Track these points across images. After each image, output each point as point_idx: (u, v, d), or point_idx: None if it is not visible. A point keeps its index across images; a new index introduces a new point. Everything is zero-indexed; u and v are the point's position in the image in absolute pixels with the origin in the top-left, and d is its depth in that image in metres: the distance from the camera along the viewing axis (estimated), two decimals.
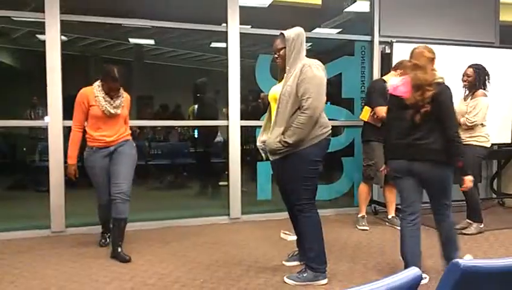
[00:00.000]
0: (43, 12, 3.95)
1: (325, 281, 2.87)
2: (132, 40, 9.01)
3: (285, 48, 2.84)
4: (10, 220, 4.35)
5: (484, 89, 4.06)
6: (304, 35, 2.88)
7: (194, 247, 3.70)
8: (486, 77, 4.06)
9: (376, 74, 4.97)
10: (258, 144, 3.06)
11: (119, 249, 3.37)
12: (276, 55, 2.93)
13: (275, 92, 2.93)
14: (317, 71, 2.77)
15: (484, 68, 4.07)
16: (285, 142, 2.75)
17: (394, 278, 1.09)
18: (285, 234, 3.93)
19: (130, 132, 3.64)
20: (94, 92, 3.38)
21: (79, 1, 4.75)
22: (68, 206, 4.07)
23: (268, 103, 3.03)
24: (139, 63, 10.06)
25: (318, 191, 2.93)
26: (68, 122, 3.86)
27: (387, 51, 4.93)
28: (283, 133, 2.76)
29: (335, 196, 5.01)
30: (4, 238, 3.88)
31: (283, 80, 2.86)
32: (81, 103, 3.40)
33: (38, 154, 5.90)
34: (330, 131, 2.90)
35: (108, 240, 3.70)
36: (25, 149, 6.37)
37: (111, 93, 3.38)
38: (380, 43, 5.03)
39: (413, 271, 1.13)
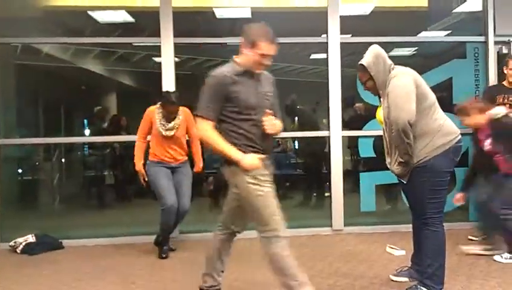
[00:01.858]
0: (159, 36, 4.35)
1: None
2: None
3: (370, 78, 2.75)
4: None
5: None
6: (382, 51, 2.77)
7: (296, 257, 3.70)
8: None
9: (492, 77, 4.56)
10: (387, 165, 2.92)
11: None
12: (364, 88, 2.89)
13: (380, 115, 2.89)
14: (396, 81, 2.65)
15: None
16: (400, 162, 2.67)
17: None
18: (392, 248, 3.76)
19: (186, 150, 3.90)
20: (155, 114, 3.74)
21: (189, 24, 5.13)
22: None
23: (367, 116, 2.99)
24: None
25: None
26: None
27: (505, 51, 4.49)
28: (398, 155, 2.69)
29: (447, 209, 4.65)
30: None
31: (382, 102, 2.80)
32: (146, 117, 3.81)
33: None
34: (458, 138, 2.70)
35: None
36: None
37: (169, 116, 3.71)
38: (496, 43, 4.60)
39: None
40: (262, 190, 2.36)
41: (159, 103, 3.79)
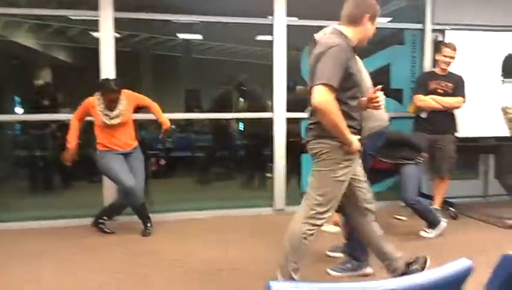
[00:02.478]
0: (98, 10, 4.12)
1: (369, 269, 2.84)
2: (181, 36, 9.23)
3: None
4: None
5: None
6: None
7: (240, 237, 3.76)
8: None
9: (428, 64, 4.78)
10: None
11: None
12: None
13: None
14: None
15: None
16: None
17: (445, 269, 1.07)
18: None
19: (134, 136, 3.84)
20: (95, 105, 3.61)
21: None
22: None
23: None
24: (187, 58, 10.28)
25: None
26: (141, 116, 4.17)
27: (440, 39, 4.73)
28: None
29: (381, 189, 4.90)
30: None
31: None
32: (83, 107, 3.70)
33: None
34: (385, 124, 2.83)
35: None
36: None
37: (110, 104, 3.59)
38: (433, 31, 4.82)
39: (464, 263, 1.10)
40: (339, 175, 2.27)
41: (99, 92, 3.64)
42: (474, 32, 4.63)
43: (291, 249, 2.36)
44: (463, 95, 4.15)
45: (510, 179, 4.05)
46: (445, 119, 4.18)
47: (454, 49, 4.14)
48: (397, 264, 2.47)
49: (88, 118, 3.80)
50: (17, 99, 7.30)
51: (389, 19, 5.44)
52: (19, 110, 7.54)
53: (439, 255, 3.20)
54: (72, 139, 3.68)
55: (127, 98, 3.69)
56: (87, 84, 4.43)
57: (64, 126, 4.99)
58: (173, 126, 7.40)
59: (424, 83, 4.24)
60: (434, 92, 4.18)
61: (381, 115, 2.84)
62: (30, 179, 5.77)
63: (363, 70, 2.80)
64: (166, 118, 3.85)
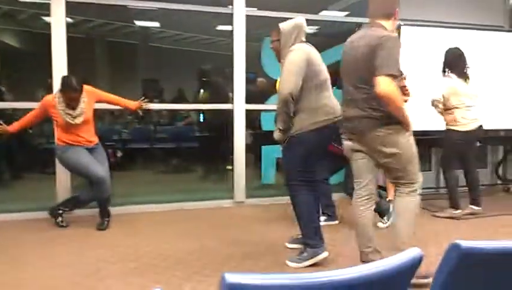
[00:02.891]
0: None
1: (325, 253, 2.89)
2: (138, 23, 8.97)
3: (278, 40, 2.87)
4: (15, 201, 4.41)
5: (450, 72, 4.04)
6: (302, 27, 2.88)
7: (198, 229, 3.74)
8: (457, 60, 4.03)
9: None
10: None
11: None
12: (270, 46, 2.99)
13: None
14: (291, 55, 2.77)
15: (454, 51, 4.05)
16: (278, 129, 2.84)
17: (396, 258, 1.10)
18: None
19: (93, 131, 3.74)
20: (55, 104, 3.47)
21: None
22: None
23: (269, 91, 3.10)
24: (145, 46, 10.02)
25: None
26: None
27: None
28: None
29: (339, 181, 5.01)
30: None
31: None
32: (41, 106, 3.56)
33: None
34: (335, 119, 2.83)
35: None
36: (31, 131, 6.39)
37: (72, 103, 3.48)
38: None
39: (415, 251, 1.14)
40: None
41: (58, 90, 3.50)
42: (427, 29, 4.79)
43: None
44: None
45: (446, 172, 4.22)
46: None
47: None
48: (374, 256, 2.62)
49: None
50: None
51: (346, 13, 5.53)
52: None
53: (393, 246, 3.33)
54: (16, 126, 3.60)
55: (88, 95, 3.58)
56: (37, 71, 4.23)
57: (11, 115, 4.77)
58: (130, 117, 7.23)
59: None
60: None
61: (331, 109, 2.87)
62: None
63: (316, 64, 2.87)
64: (129, 102, 3.92)
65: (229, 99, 5.05)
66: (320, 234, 2.92)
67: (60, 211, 3.75)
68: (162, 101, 7.45)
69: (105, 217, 3.75)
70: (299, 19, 2.92)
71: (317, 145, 2.87)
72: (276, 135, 2.88)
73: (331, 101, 2.86)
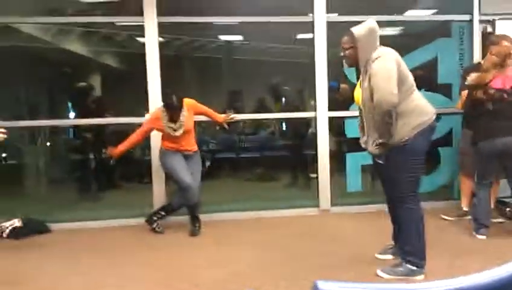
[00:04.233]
0: (142, 15, 4.25)
1: (421, 277, 2.74)
2: (222, 37, 9.34)
3: (353, 47, 2.72)
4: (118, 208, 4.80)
5: None
6: (376, 29, 2.74)
7: (284, 237, 3.77)
8: None
9: (477, 56, 4.58)
10: (361, 144, 2.99)
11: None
12: (342, 54, 2.83)
13: (357, 94, 2.89)
14: (380, 63, 2.62)
15: None
16: (380, 143, 2.68)
17: (499, 271, 1.02)
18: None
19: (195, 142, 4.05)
20: (161, 117, 3.78)
21: (172, 2, 5.02)
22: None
23: (353, 98, 3.00)
24: (229, 59, 10.37)
25: None
26: None
27: (489, 29, 4.51)
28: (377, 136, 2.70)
29: (431, 189, 4.74)
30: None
31: (361, 81, 2.80)
32: (150, 121, 3.92)
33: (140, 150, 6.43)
34: (433, 117, 2.73)
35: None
36: None
37: (173, 117, 3.76)
38: (481, 22, 4.61)
39: None
40: None
41: (162, 105, 3.83)
42: None
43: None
44: None
45: None
46: None
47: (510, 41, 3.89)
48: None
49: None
50: (69, 104, 7.65)
51: (434, 10, 5.26)
52: (71, 114, 7.90)
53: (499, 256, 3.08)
54: (121, 148, 3.92)
55: (188, 109, 3.86)
56: (135, 89, 4.59)
57: (115, 131, 5.23)
58: (217, 128, 7.51)
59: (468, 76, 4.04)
60: None
61: (425, 108, 2.74)
62: (83, 182, 6.04)
63: (402, 67, 2.77)
64: (218, 115, 4.23)
65: (305, 108, 5.05)
66: (424, 255, 2.77)
67: (155, 218, 4.01)
68: (244, 112, 7.65)
69: (195, 223, 3.95)
70: (371, 21, 2.76)
71: (424, 150, 2.75)
72: (376, 150, 2.71)
73: (422, 100, 2.75)
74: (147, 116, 4.26)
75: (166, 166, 3.94)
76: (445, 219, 4.11)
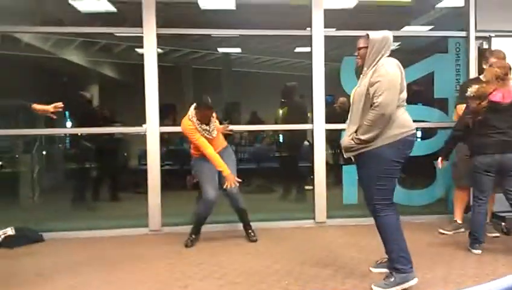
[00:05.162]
0: (142, 27, 4.28)
1: (415, 280, 2.74)
2: (220, 50, 9.41)
3: (366, 47, 2.81)
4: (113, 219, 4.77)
5: None
6: (391, 40, 2.82)
7: (280, 249, 3.75)
8: None
9: (473, 71, 4.62)
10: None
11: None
12: (356, 53, 2.92)
13: (352, 92, 2.95)
14: (390, 68, 2.71)
15: None
16: (358, 138, 2.74)
17: (498, 283, 1.03)
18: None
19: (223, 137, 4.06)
20: (194, 123, 3.77)
21: (171, 15, 5.07)
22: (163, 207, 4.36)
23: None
24: (227, 71, 10.44)
25: (410, 197, 2.82)
26: (163, 129, 4.23)
27: (485, 46, 4.56)
28: (356, 131, 2.75)
29: (427, 201, 4.75)
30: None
31: (360, 80, 2.85)
32: (192, 131, 3.78)
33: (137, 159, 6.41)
34: (412, 132, 2.78)
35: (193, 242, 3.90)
36: (125, 154, 6.91)
37: (205, 120, 3.76)
38: (477, 38, 4.67)
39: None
40: None
41: (194, 108, 3.82)
42: None
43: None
44: None
45: None
46: None
47: (502, 57, 3.95)
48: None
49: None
50: (66, 113, 7.64)
51: (431, 26, 5.32)
52: (68, 124, 7.88)
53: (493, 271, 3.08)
54: (224, 165, 3.75)
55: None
56: (133, 99, 4.61)
57: (112, 139, 5.21)
58: None
59: (466, 91, 4.08)
60: None
61: (404, 122, 2.77)
62: (79, 191, 6.01)
63: (403, 79, 2.83)
64: (219, 127, 4.09)
65: (308, 120, 5.06)
66: (409, 258, 2.78)
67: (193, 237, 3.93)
68: (240, 123, 7.67)
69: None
70: (387, 32, 2.86)
71: (397, 161, 2.76)
72: (349, 142, 2.77)
73: (405, 114, 2.80)
74: (145, 125, 4.25)
75: (196, 172, 3.95)
76: (443, 233, 4.10)
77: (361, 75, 2.86)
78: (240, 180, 3.81)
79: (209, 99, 3.82)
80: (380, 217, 2.81)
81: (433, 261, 3.30)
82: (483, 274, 3.05)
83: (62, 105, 3.10)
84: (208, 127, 3.81)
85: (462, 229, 4.05)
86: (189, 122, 3.81)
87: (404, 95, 2.80)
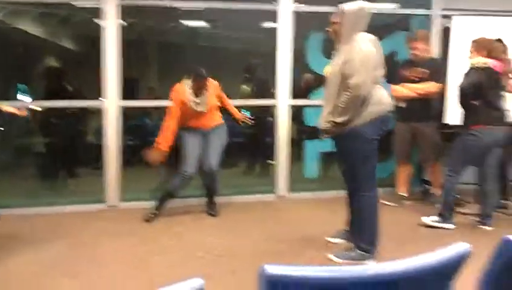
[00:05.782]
0: None
1: (372, 263, 2.80)
2: (186, 23, 9.17)
3: (340, 23, 2.72)
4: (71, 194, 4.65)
5: None
6: (366, 11, 2.74)
7: (240, 222, 3.77)
8: None
9: (436, 51, 4.67)
10: None
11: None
12: (327, 28, 2.84)
13: (327, 71, 2.89)
14: (364, 45, 2.64)
15: None
16: (333, 121, 2.69)
17: (444, 252, 1.05)
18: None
19: (220, 115, 3.98)
20: (185, 92, 3.68)
21: None
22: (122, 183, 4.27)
23: (314, 87, 3.01)
24: (193, 46, 10.21)
25: None
26: (123, 102, 4.10)
27: (448, 25, 4.64)
28: (331, 113, 2.70)
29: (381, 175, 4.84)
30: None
31: (334, 58, 2.79)
32: (176, 99, 3.68)
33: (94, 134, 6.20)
34: (388, 108, 2.78)
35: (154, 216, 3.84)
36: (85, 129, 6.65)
37: (199, 91, 3.67)
38: (442, 16, 4.71)
39: (462, 247, 1.08)
40: None
41: (189, 77, 3.71)
42: (482, 18, 4.52)
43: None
44: (438, 80, 4.05)
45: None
46: (421, 106, 4.09)
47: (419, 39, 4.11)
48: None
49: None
50: (21, 87, 7.31)
51: (395, 4, 5.34)
52: (25, 98, 7.55)
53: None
54: (165, 142, 3.63)
55: (211, 87, 3.80)
56: (92, 72, 4.42)
57: (70, 113, 5.01)
58: None
59: (398, 72, 4.18)
60: (408, 80, 4.12)
61: (381, 99, 2.74)
62: (35, 167, 5.79)
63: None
64: (236, 111, 4.14)
65: (272, 95, 5.03)
66: (376, 241, 2.82)
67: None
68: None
69: (157, 209, 3.85)
70: (363, 2, 2.74)
71: (375, 138, 2.76)
72: (325, 125, 2.75)
73: (381, 90, 2.76)
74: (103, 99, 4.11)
75: (181, 142, 3.82)
76: (387, 204, 4.13)
77: (335, 52, 2.80)
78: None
79: (202, 69, 3.73)
80: (363, 197, 2.80)
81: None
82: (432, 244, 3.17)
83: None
84: (197, 100, 3.70)
85: (407, 202, 4.26)
86: (182, 85, 3.72)
87: (381, 71, 2.76)
